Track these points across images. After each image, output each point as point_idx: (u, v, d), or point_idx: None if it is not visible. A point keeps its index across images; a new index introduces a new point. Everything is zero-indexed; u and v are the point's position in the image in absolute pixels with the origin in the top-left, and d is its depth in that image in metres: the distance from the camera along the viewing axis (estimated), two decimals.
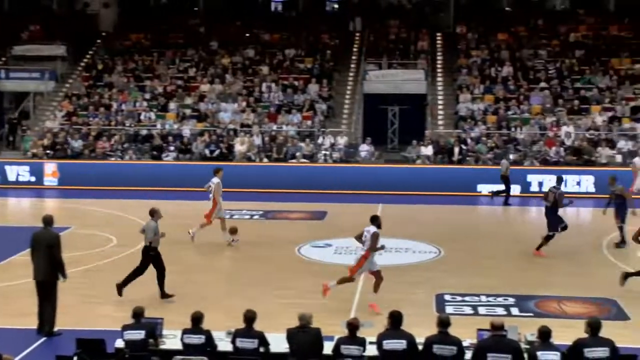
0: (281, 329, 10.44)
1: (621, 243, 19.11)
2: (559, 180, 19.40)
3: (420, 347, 9.84)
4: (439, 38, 37.39)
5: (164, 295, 14.92)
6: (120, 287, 14.82)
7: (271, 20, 39.33)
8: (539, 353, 9.57)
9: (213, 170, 19.78)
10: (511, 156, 28.09)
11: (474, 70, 34.01)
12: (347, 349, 9.84)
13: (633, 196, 24.44)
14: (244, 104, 32.34)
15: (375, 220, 14.42)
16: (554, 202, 18.36)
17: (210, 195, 19.39)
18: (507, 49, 35.25)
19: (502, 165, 26.07)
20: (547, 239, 18.41)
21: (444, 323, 9.92)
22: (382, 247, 14.49)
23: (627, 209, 19.26)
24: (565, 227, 18.49)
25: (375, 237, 14.16)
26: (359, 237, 14.50)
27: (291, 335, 10.16)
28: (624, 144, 28.46)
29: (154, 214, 15.06)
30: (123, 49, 36.76)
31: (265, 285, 16.18)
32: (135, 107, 32.60)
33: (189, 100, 32.92)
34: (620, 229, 19.17)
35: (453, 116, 32.28)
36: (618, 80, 32.80)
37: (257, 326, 10.32)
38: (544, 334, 9.77)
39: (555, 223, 18.41)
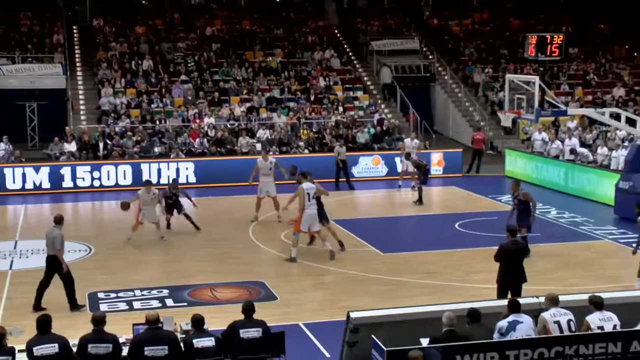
0: None
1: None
2: None
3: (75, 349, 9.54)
4: (75, 31, 36.45)
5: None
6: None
7: None
8: (194, 340, 9.75)
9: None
10: (156, 149, 28.21)
11: (114, 64, 33.61)
12: None
13: (405, 177, 25.95)
14: None
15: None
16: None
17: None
18: (146, 42, 35.30)
19: (335, 152, 26.31)
20: None
21: (97, 321, 9.70)
22: None
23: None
24: None
25: None
26: None
27: None
28: (262, 133, 29.88)
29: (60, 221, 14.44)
30: None
31: None
32: None
33: None
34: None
35: (96, 111, 31.65)
36: (253, 72, 34.40)
37: None
38: (197, 322, 9.97)
39: None
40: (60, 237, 14.28)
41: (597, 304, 9.88)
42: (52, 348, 9.35)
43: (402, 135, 31.30)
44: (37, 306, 14.05)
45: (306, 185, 17.52)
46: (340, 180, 26.43)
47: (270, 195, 21.38)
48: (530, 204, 17.05)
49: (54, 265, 14.20)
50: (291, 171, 20.86)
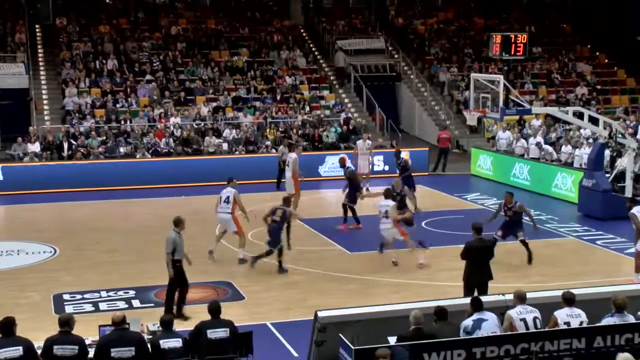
0: None
1: None
2: None
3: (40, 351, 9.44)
4: (37, 30, 36.05)
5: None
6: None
7: None
8: (161, 341, 9.72)
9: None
10: (122, 149, 28.00)
11: (78, 64, 33.29)
12: None
13: (363, 177, 25.81)
14: None
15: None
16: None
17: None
18: (110, 41, 35.01)
19: (279, 152, 26.34)
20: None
21: (63, 322, 9.62)
22: None
23: None
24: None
25: None
26: None
27: None
28: (229, 133, 29.78)
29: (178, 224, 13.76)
30: None
31: None
32: None
33: None
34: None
35: (60, 111, 31.34)
36: (219, 71, 34.28)
37: None
38: (165, 322, 9.94)
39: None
40: (172, 239, 13.57)
41: (568, 299, 10.00)
42: (16, 351, 9.22)
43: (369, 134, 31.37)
44: (169, 309, 13.45)
45: (226, 189, 17.68)
46: (282, 180, 26.35)
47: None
48: (526, 215, 17.54)
49: (173, 267, 13.62)
50: (341, 162, 21.94)
